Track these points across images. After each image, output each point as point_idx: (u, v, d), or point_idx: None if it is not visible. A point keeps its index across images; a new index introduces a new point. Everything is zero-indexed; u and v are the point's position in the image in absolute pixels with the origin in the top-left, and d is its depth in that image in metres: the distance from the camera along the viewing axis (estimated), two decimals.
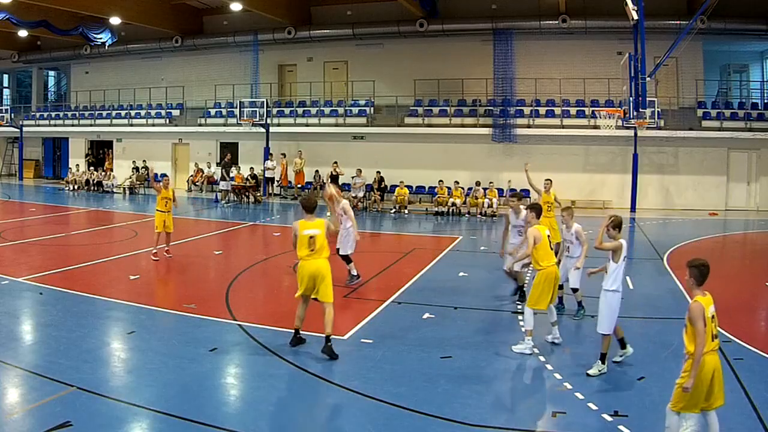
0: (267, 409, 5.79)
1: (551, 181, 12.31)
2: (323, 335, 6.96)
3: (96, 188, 27.79)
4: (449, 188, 22.05)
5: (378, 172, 23.45)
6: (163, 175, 19.56)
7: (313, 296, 7.14)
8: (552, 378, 6.53)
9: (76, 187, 28.04)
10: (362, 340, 7.61)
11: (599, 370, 6.56)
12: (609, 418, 5.47)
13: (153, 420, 5.44)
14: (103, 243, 14.54)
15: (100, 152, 31.86)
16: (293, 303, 10.14)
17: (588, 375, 6.53)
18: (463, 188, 21.94)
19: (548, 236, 7.80)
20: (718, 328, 4.92)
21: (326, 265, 7.09)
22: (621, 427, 5.32)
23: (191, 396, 5.93)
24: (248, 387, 6.45)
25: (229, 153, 26.27)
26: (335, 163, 22.95)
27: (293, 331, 7.31)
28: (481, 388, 6.33)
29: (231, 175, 24.78)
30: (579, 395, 5.98)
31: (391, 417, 5.62)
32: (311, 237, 7.02)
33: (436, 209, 21.77)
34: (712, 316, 4.83)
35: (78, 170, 29.44)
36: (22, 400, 5.75)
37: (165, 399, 5.82)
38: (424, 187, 24.51)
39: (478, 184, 21.78)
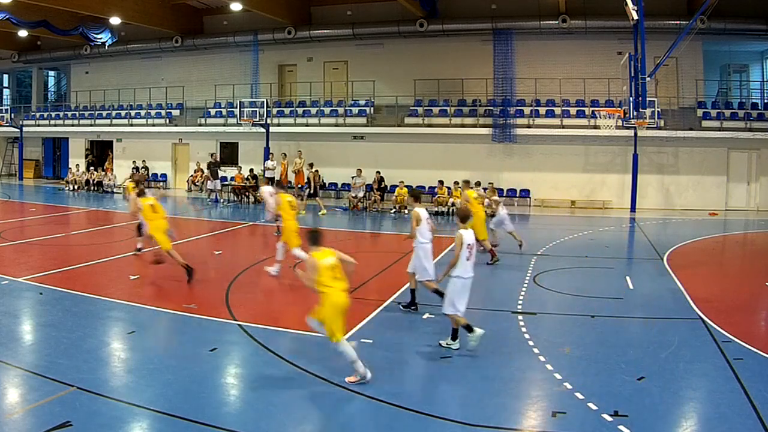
0: (267, 409, 5.79)
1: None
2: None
3: (96, 188, 27.80)
4: (449, 188, 22.05)
5: (378, 172, 23.46)
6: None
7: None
8: (552, 378, 6.53)
9: (76, 187, 28.04)
10: (362, 340, 7.59)
11: (447, 344, 7.32)
12: (609, 418, 5.47)
13: (153, 420, 5.44)
14: (103, 243, 14.53)
15: (104, 152, 31.81)
16: (292, 302, 10.19)
17: (440, 344, 7.35)
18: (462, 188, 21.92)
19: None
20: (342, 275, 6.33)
21: None
22: (621, 427, 5.32)
23: (191, 396, 5.93)
24: (248, 387, 6.44)
25: (215, 153, 26.29)
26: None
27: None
28: (481, 387, 6.33)
29: (221, 175, 24.85)
30: (579, 395, 5.98)
31: (391, 417, 5.62)
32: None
33: (435, 209, 21.77)
34: (331, 266, 6.29)
35: (78, 170, 29.45)
36: (22, 400, 5.75)
37: (165, 399, 5.81)
38: (424, 187, 24.45)
39: (478, 184, 21.73)
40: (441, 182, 22.15)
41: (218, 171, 24.89)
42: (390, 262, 12.39)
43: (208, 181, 24.97)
